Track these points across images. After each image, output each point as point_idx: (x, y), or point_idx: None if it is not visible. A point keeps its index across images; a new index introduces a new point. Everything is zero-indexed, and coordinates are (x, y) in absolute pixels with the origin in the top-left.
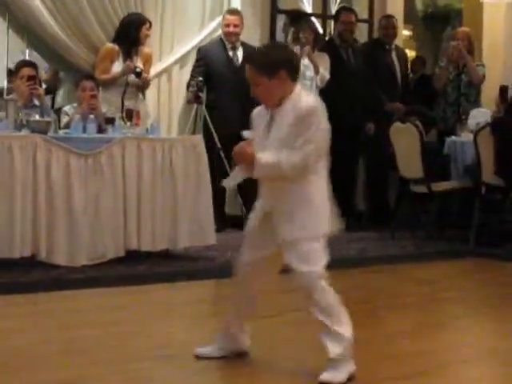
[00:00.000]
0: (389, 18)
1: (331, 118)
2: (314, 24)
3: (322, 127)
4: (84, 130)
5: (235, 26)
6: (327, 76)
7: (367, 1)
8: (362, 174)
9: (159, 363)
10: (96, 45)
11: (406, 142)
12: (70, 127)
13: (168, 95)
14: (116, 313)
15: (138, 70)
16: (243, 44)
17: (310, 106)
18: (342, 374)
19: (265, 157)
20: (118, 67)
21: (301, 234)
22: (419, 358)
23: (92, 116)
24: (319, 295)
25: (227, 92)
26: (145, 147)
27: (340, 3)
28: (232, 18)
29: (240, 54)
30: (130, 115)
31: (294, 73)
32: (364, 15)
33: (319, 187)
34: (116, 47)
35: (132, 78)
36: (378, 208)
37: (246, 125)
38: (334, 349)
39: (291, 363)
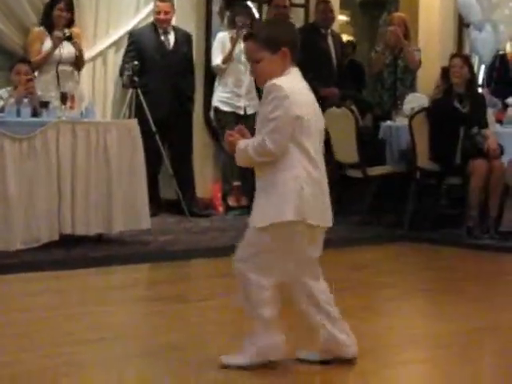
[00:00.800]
0: (326, 2)
1: None
2: (250, 8)
3: (284, 107)
4: (18, 113)
5: (166, 12)
6: None
7: None
8: None
9: (92, 347)
10: (27, 26)
11: (341, 126)
12: (5, 111)
13: (103, 79)
14: (50, 297)
15: (67, 34)
16: (175, 28)
17: (271, 84)
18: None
19: (241, 143)
20: (47, 47)
21: (256, 222)
22: None
23: (26, 100)
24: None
25: (159, 76)
26: (79, 131)
27: None
28: (162, 5)
29: (172, 38)
30: (64, 98)
31: (295, 53)
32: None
33: (292, 174)
34: (42, 29)
35: (65, 53)
36: None
37: (177, 108)
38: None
39: (224, 348)
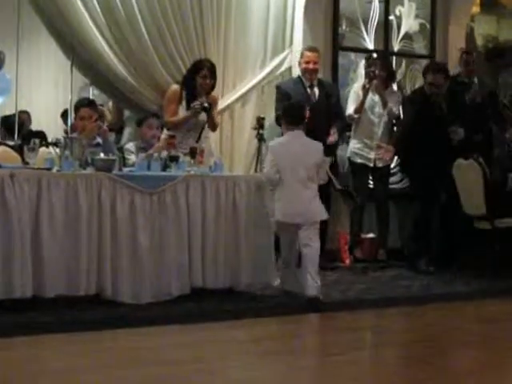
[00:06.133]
0: (468, 53)
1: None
2: (389, 61)
3: None
4: (149, 167)
5: (315, 63)
6: (396, 112)
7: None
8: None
9: None
10: (160, 84)
11: (468, 178)
12: (135, 165)
13: (230, 133)
14: (181, 351)
15: (205, 105)
16: (320, 82)
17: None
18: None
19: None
20: (183, 109)
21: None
22: None
23: (156, 154)
24: None
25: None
26: (208, 185)
27: (402, 39)
28: (312, 56)
29: (316, 91)
30: (194, 153)
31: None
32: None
33: None
34: (179, 88)
35: (201, 117)
36: (449, 247)
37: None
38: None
39: None
